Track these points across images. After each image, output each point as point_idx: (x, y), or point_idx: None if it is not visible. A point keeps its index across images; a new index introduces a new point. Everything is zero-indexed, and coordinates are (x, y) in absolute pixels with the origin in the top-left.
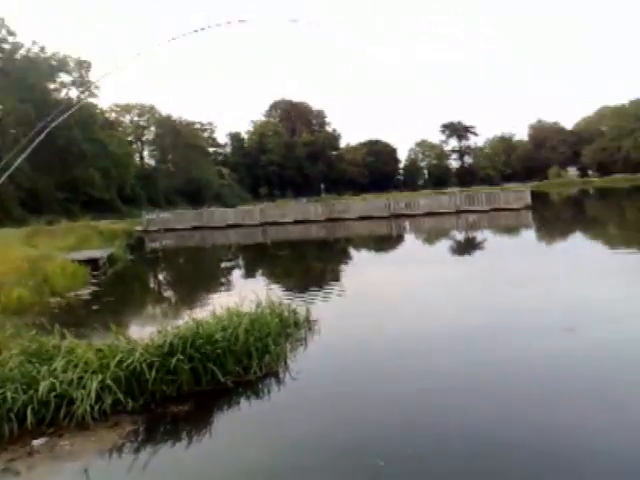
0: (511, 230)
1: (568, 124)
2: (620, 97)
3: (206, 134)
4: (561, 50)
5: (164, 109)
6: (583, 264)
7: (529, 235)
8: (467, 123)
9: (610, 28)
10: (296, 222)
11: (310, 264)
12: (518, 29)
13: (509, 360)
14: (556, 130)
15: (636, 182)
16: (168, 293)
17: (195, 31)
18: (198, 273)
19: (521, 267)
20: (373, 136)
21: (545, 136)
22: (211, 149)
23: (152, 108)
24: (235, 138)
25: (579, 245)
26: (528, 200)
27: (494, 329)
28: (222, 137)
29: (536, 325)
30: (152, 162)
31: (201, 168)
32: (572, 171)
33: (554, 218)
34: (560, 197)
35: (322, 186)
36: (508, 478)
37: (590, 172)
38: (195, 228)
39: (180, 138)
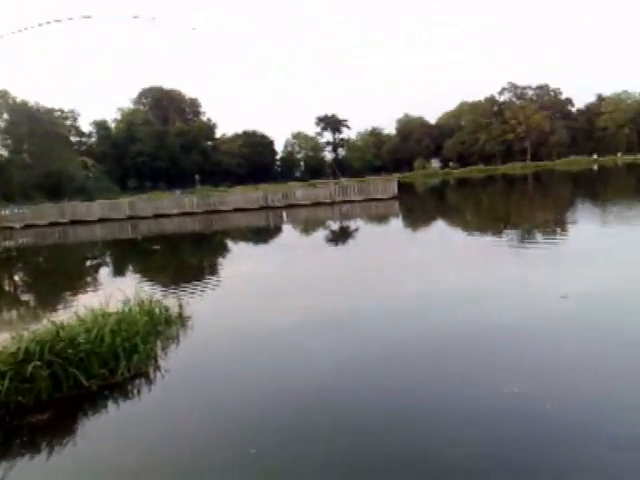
0: (380, 219)
1: (432, 119)
2: (477, 94)
3: (68, 122)
4: (426, 48)
5: (19, 95)
6: (441, 248)
7: (396, 223)
8: (341, 117)
9: (471, 29)
10: (169, 215)
11: (185, 259)
12: (385, 26)
13: (370, 341)
14: (421, 124)
15: (489, 172)
16: (25, 296)
17: (40, 25)
18: (60, 273)
19: (388, 252)
20: (249, 127)
21: (411, 130)
22: (74, 138)
23: (5, 93)
24: (101, 126)
25: (438, 231)
26: (395, 191)
27: (364, 312)
28: (86, 126)
29: (400, 309)
30: (4, 153)
31: (62, 159)
32: (435, 163)
33: (418, 207)
34: (424, 187)
35: (197, 177)
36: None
37: (451, 164)
38: (56, 224)
39: (38, 126)
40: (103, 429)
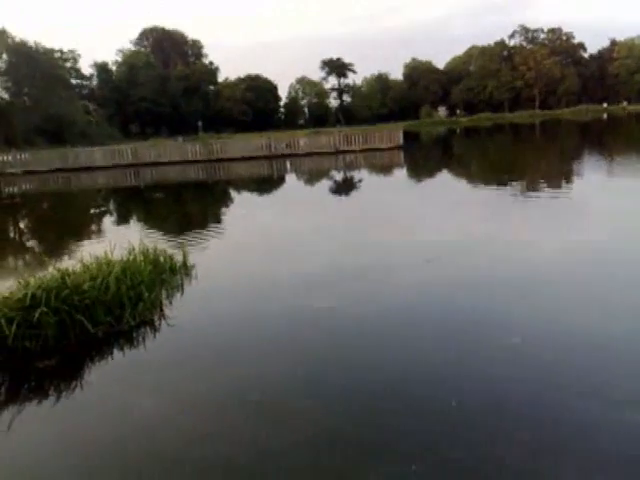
0: (385, 169)
1: (441, 64)
2: (488, 39)
3: (68, 64)
4: None
5: (18, 34)
6: (445, 200)
7: (400, 174)
8: (346, 60)
9: None
10: (172, 163)
11: (188, 208)
12: None
13: (379, 290)
14: (429, 69)
15: (497, 121)
16: (31, 243)
17: None
18: (64, 220)
19: (392, 204)
20: (253, 71)
21: (419, 75)
22: (75, 81)
23: (3, 32)
24: (102, 69)
25: (442, 183)
26: (400, 140)
27: (370, 264)
28: (87, 69)
29: (404, 257)
30: (5, 95)
31: (63, 102)
32: (442, 110)
33: (423, 157)
34: (430, 136)
35: (199, 124)
36: None
37: (458, 111)
38: (59, 170)
39: (37, 68)
40: (109, 375)
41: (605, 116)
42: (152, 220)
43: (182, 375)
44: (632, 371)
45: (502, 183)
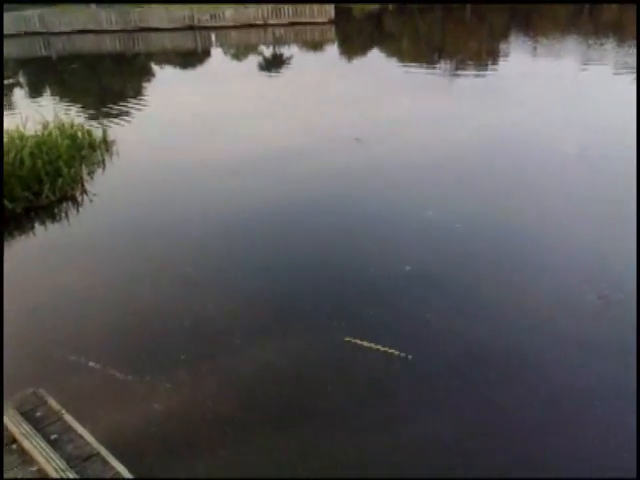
0: (316, 45)
1: None
2: None
3: None
4: None
5: None
6: (377, 79)
7: (332, 51)
8: None
9: None
10: (85, 32)
11: (107, 81)
12: None
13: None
14: None
15: None
16: None
17: None
18: None
19: (322, 81)
20: None
21: None
22: None
23: None
24: None
25: (373, 60)
26: (332, 14)
27: (299, 142)
28: None
29: (335, 134)
30: None
31: None
32: None
33: (355, 34)
34: (362, 12)
35: None
36: None
37: None
38: None
39: None
40: (30, 249)
41: None
42: (68, 94)
43: (104, 250)
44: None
45: (432, 63)
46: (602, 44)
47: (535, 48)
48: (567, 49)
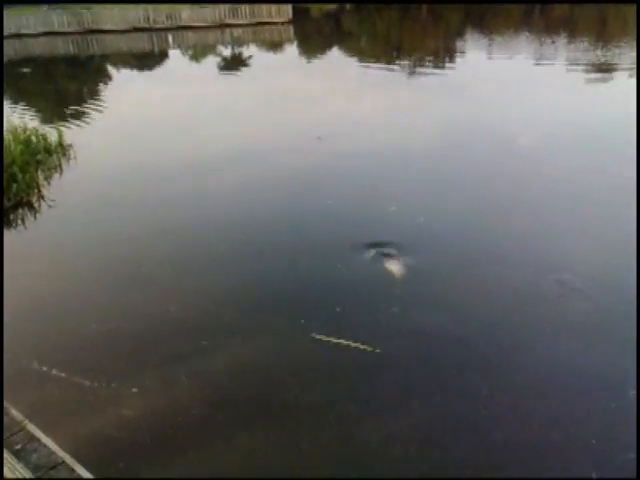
0: (275, 46)
1: None
2: None
3: None
4: None
5: None
6: (337, 77)
7: (291, 51)
8: None
9: None
10: (37, 35)
11: (61, 85)
12: None
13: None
14: None
15: None
16: None
17: None
18: None
19: (282, 81)
20: None
21: None
22: None
23: None
24: None
25: (333, 60)
26: (290, 14)
27: (254, 143)
28: None
29: (293, 133)
30: None
31: None
32: None
33: (313, 33)
34: (320, 12)
35: None
36: None
37: None
38: None
39: None
40: None
41: None
42: (20, 98)
43: (64, 256)
44: None
45: (390, 61)
46: (553, 42)
47: (490, 45)
48: (520, 46)
